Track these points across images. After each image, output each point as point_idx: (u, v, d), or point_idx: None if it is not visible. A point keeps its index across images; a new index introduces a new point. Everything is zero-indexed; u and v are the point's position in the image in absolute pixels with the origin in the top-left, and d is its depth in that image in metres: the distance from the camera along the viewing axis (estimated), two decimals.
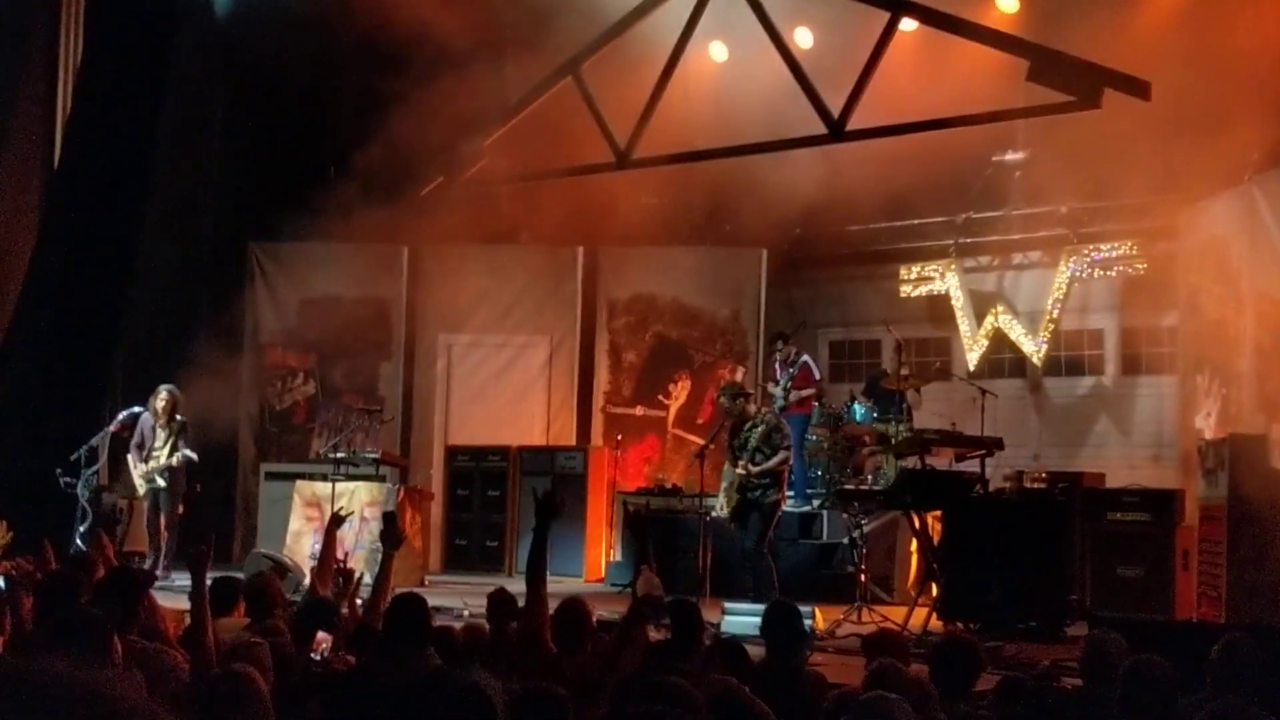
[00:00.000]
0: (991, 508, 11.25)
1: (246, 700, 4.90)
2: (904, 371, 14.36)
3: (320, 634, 6.74)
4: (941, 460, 12.64)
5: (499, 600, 6.74)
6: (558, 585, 14.59)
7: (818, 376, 14.97)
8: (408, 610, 6.31)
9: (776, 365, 14.72)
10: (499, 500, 15.79)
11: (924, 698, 5.29)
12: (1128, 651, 5.70)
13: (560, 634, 6.49)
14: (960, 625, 10.60)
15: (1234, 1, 12.77)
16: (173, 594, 10.76)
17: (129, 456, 13.68)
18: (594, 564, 15.32)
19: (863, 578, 11.39)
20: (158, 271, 15.69)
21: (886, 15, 13.31)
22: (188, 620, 7.55)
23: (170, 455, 13.49)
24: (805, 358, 14.69)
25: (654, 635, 6.81)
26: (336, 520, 8.90)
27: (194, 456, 13.58)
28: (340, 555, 13.06)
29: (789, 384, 14.37)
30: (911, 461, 12.04)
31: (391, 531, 8.11)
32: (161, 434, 13.52)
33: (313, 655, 6.58)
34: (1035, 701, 5.55)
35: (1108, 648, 5.79)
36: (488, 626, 6.98)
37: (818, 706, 5.88)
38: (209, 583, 7.26)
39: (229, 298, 16.76)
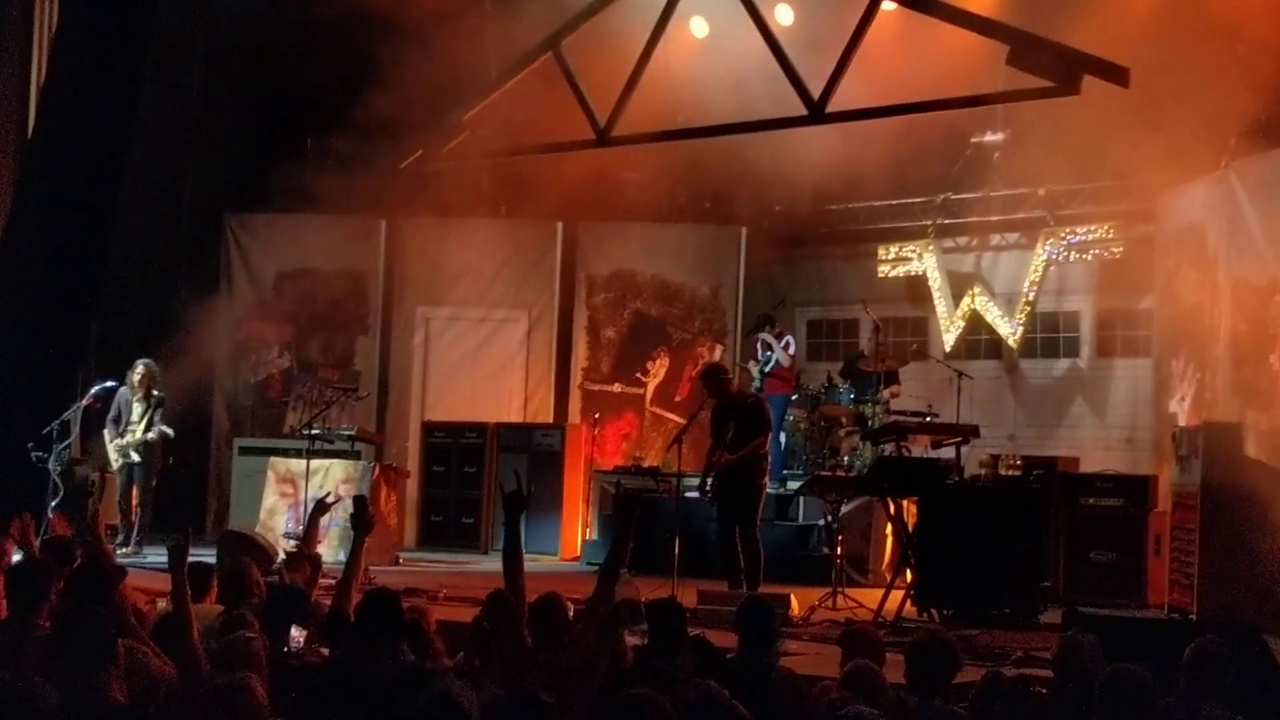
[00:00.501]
0: (967, 495, 11.28)
1: (247, 713, 4.75)
2: (880, 351, 14.40)
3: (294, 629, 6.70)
4: (918, 445, 12.71)
5: (499, 603, 6.66)
6: (534, 564, 14.63)
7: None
8: (381, 605, 6.31)
9: (759, 345, 14.73)
10: (475, 477, 15.77)
11: (900, 705, 5.30)
12: (1103, 658, 5.72)
13: (537, 629, 6.48)
14: (935, 612, 10.65)
15: None
16: (146, 573, 10.78)
17: (105, 431, 13.61)
18: (570, 542, 15.33)
19: (838, 562, 11.41)
20: (134, 242, 15.57)
21: None
22: (160, 604, 7.54)
23: (146, 430, 13.44)
24: (789, 337, 14.79)
25: (631, 640, 6.78)
26: (321, 507, 8.82)
27: (170, 433, 13.55)
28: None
29: (774, 365, 14.43)
30: (888, 448, 12.06)
31: (362, 516, 8.07)
32: (138, 408, 13.47)
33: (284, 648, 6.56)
34: (1013, 702, 5.56)
35: (1083, 652, 5.81)
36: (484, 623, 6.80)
37: (788, 705, 5.92)
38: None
39: (206, 269, 16.67)
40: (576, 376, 16.88)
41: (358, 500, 8.53)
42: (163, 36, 15.24)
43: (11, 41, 15.31)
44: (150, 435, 13.37)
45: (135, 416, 13.46)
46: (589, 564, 14.28)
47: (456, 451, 15.86)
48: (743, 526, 11.43)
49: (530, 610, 6.59)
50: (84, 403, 13.45)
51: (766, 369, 14.53)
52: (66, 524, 9.56)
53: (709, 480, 11.71)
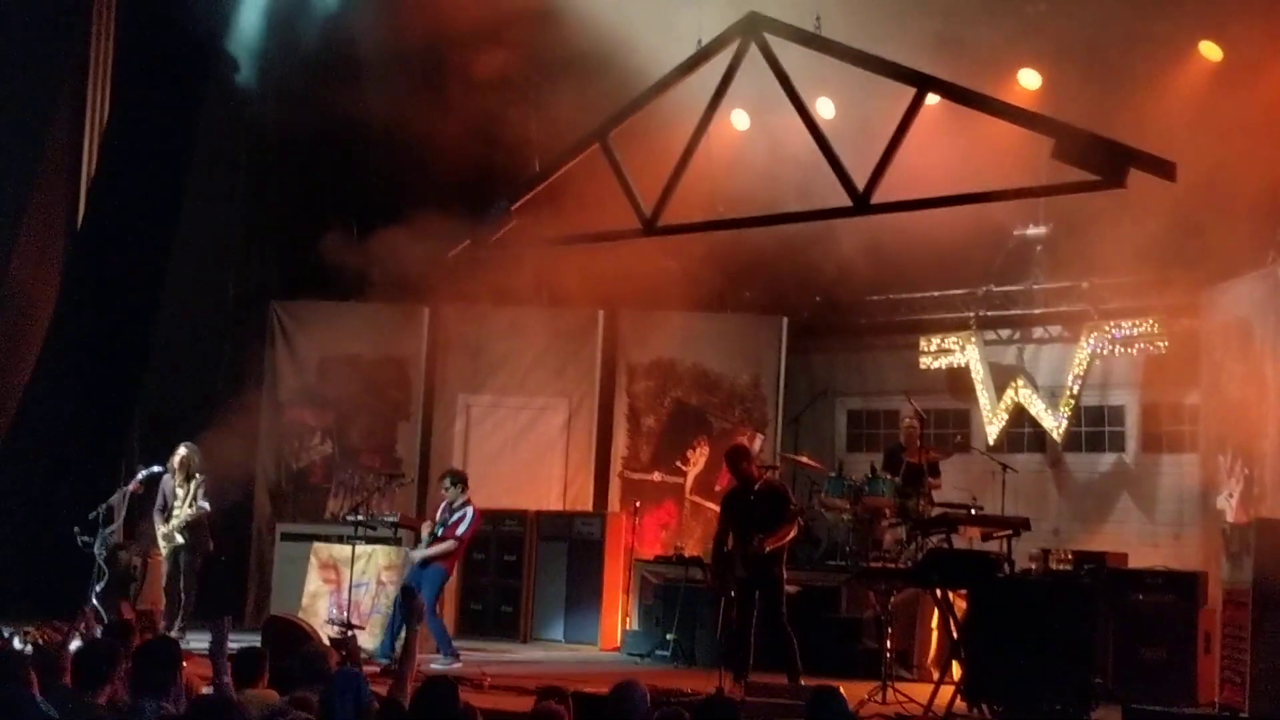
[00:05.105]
0: (1018, 588, 11.17)
1: None
2: (923, 443, 14.33)
3: None
4: (963, 537, 12.62)
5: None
6: (573, 654, 14.70)
7: None
8: (438, 696, 6.29)
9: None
10: (515, 565, 15.73)
11: None
12: None
13: None
14: (985, 707, 10.53)
15: (1260, 82, 12.83)
16: (191, 657, 10.74)
17: (154, 518, 13.64)
18: (610, 632, 15.25)
19: (887, 654, 11.31)
20: (179, 329, 15.75)
21: (910, 89, 13.36)
22: (205, 688, 7.55)
23: (188, 509, 13.46)
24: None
25: None
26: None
27: (207, 507, 13.56)
28: (356, 620, 13.16)
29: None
30: (936, 539, 11.99)
31: (410, 606, 8.04)
32: (180, 492, 13.51)
33: None
34: None
35: None
36: None
37: None
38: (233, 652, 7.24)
39: (249, 355, 16.78)
40: (616, 465, 16.85)
41: (405, 591, 8.50)
42: (209, 131, 15.49)
43: (62, 137, 15.58)
44: (191, 511, 13.39)
45: (179, 501, 13.49)
46: (629, 654, 14.20)
47: (496, 539, 15.82)
48: (773, 615, 11.33)
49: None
50: (129, 488, 13.53)
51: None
52: (131, 609, 9.58)
53: (720, 568, 11.53)
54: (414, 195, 15.41)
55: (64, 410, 14.36)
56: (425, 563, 13.02)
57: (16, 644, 8.61)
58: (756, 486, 11.69)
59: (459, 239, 15.66)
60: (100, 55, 15.41)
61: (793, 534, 11.72)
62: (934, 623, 12.64)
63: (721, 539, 11.71)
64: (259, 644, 9.98)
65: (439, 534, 12.98)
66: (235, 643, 7.99)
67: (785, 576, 11.64)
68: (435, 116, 15.03)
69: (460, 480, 13.45)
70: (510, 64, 15.12)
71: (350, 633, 12.57)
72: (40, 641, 8.29)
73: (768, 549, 11.33)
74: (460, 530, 13.14)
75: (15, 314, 15.23)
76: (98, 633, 8.22)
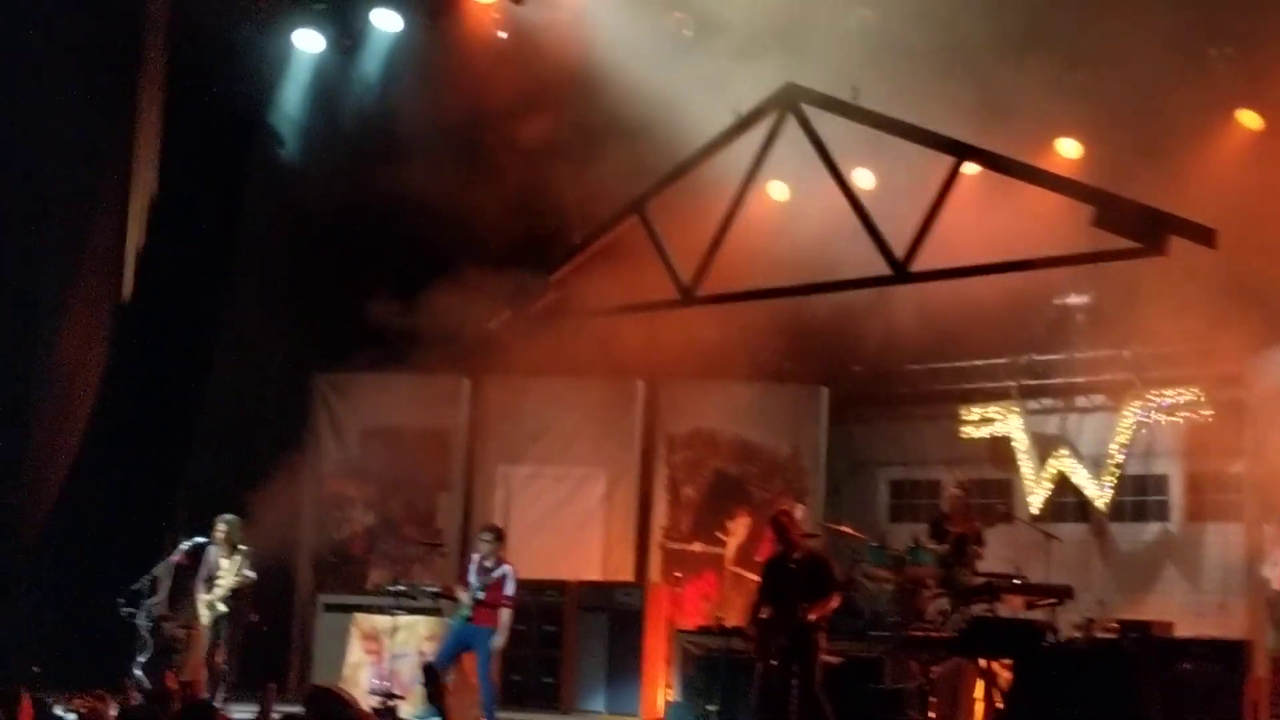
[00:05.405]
0: (1063, 657, 11.09)
1: None
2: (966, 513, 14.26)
3: None
4: (1007, 606, 12.54)
5: None
6: None
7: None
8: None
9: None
10: (556, 635, 15.64)
11: None
12: None
13: None
14: None
15: None
16: None
17: (197, 588, 13.65)
18: (650, 703, 15.13)
19: None
20: (223, 401, 15.85)
21: (949, 158, 13.41)
22: None
23: (234, 577, 13.47)
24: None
25: None
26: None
27: (252, 576, 13.55)
28: (397, 690, 13.16)
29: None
30: (980, 608, 11.91)
31: (432, 688, 7.96)
32: (225, 564, 13.54)
33: None
34: None
35: None
36: None
37: None
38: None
39: (292, 427, 16.86)
40: (656, 535, 16.81)
41: (427, 670, 8.35)
42: (253, 204, 15.66)
43: (109, 210, 15.76)
44: (237, 580, 13.41)
45: (224, 570, 13.51)
46: None
47: (536, 609, 15.74)
48: (807, 684, 11.11)
49: None
50: (173, 559, 13.54)
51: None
52: (176, 679, 9.62)
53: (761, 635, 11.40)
54: (454, 267, 15.53)
55: (110, 482, 14.44)
56: (474, 623, 12.78)
57: (58, 711, 8.64)
58: (796, 555, 11.59)
59: (499, 310, 15.79)
60: (146, 129, 15.59)
61: (835, 604, 11.62)
62: (978, 693, 12.51)
63: (758, 606, 11.57)
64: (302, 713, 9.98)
65: (481, 598, 12.81)
66: (278, 714, 7.99)
67: (826, 647, 11.53)
68: (475, 188, 15.18)
69: (500, 536, 13.29)
70: (548, 134, 15.24)
71: (392, 703, 12.56)
72: (83, 711, 8.31)
73: (812, 618, 11.22)
74: (509, 591, 12.96)
75: (63, 386, 15.35)
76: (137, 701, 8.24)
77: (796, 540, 11.72)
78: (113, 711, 8.02)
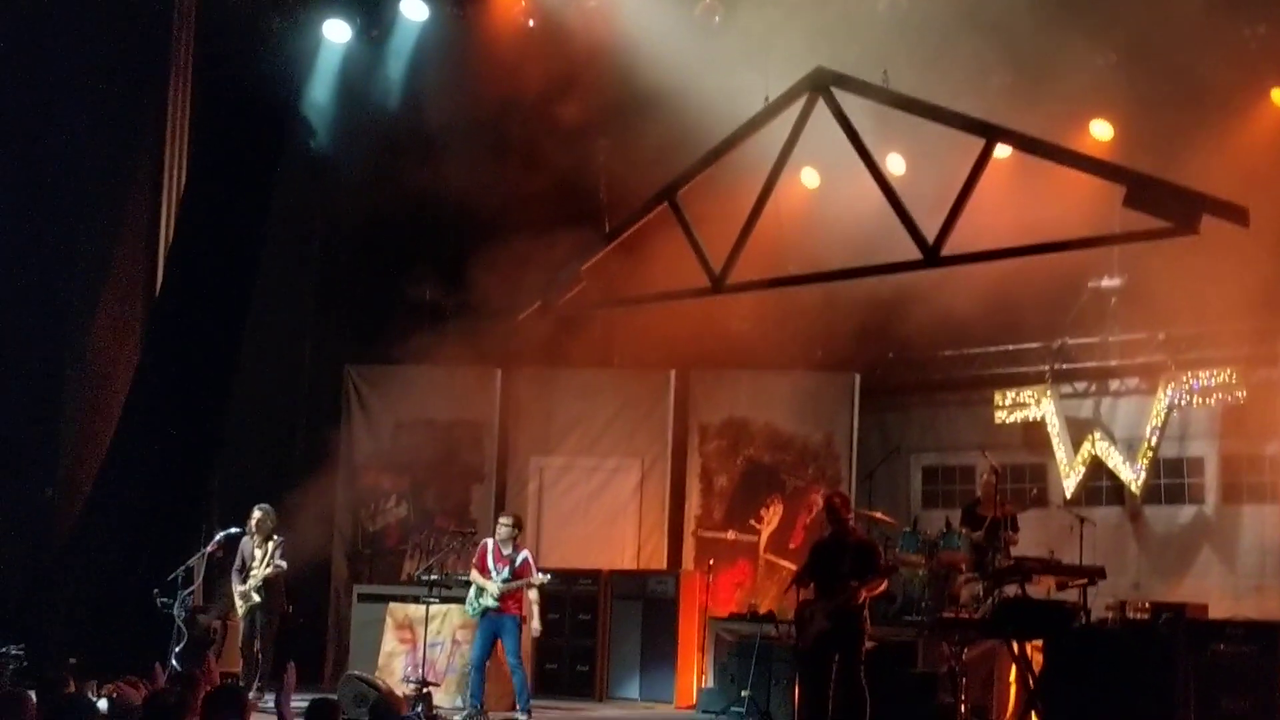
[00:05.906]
0: (1095, 638, 11.01)
1: None
2: (999, 498, 14.18)
3: None
4: (1040, 588, 12.46)
5: None
6: (649, 713, 14.64)
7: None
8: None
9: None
10: (590, 624, 15.67)
11: None
12: None
13: None
14: None
15: None
16: (269, 717, 10.79)
17: (232, 579, 13.72)
18: (685, 690, 15.15)
19: (963, 708, 11.16)
20: (256, 395, 15.92)
21: (979, 141, 13.35)
22: None
23: (266, 568, 13.54)
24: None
25: None
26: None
27: (284, 565, 13.60)
28: (431, 678, 13.22)
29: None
30: (1012, 590, 11.85)
31: None
32: (259, 553, 13.61)
33: None
34: None
35: None
36: None
37: None
38: (309, 702, 7.25)
39: (325, 420, 16.93)
40: (690, 524, 16.80)
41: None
42: (284, 196, 15.72)
43: (140, 204, 15.86)
44: (269, 571, 13.47)
45: (257, 561, 13.58)
46: (705, 711, 14.11)
47: (570, 599, 15.78)
48: (850, 669, 11.01)
49: None
50: (208, 550, 13.64)
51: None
52: (214, 666, 9.67)
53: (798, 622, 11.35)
54: (485, 258, 15.55)
55: (144, 474, 14.53)
56: (499, 613, 12.86)
57: (90, 696, 8.70)
58: (850, 539, 11.55)
59: (530, 302, 15.81)
60: (177, 122, 15.70)
61: (883, 588, 11.53)
62: (1011, 676, 12.46)
63: (803, 579, 11.45)
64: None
65: (510, 578, 12.85)
66: (304, 699, 7.99)
67: (870, 631, 11.45)
68: (505, 177, 15.21)
69: (519, 524, 13.39)
70: (578, 122, 15.24)
71: (426, 690, 12.65)
72: (113, 696, 8.36)
73: (860, 598, 11.05)
74: (535, 565, 13.08)
75: (96, 379, 15.48)
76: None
77: (849, 524, 11.71)
78: (142, 696, 8.05)
